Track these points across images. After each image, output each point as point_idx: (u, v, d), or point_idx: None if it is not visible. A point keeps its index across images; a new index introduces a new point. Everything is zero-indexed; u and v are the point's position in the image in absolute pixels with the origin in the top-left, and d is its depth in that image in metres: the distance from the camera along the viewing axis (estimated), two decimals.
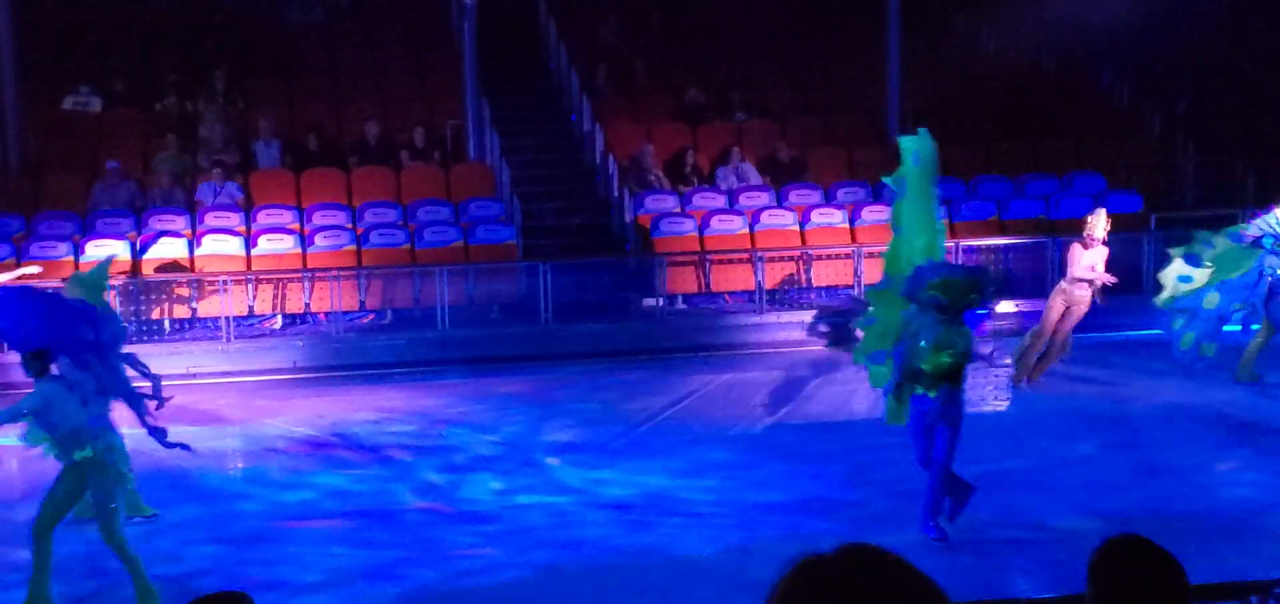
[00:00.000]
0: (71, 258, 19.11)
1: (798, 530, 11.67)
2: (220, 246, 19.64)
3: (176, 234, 19.77)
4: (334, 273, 19.37)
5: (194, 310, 19.01)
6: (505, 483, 13.55)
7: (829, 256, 20.32)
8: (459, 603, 10.82)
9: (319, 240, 19.96)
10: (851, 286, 19.66)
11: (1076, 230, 20.82)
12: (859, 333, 13.05)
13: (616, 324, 19.34)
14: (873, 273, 19.58)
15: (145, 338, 18.35)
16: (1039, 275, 19.88)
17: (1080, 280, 16.25)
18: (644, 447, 14.73)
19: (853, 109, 24.01)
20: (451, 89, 22.98)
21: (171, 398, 12.03)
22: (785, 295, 20.23)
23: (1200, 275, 15.78)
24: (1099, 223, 16.35)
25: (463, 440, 15.06)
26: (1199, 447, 14.33)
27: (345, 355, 18.58)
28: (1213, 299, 15.74)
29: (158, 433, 10.87)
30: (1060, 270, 19.84)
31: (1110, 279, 16.42)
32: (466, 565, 11.50)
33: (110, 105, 23.33)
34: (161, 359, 17.89)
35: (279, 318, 19.39)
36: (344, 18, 26.35)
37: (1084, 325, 18.92)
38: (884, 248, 13.54)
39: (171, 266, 19.35)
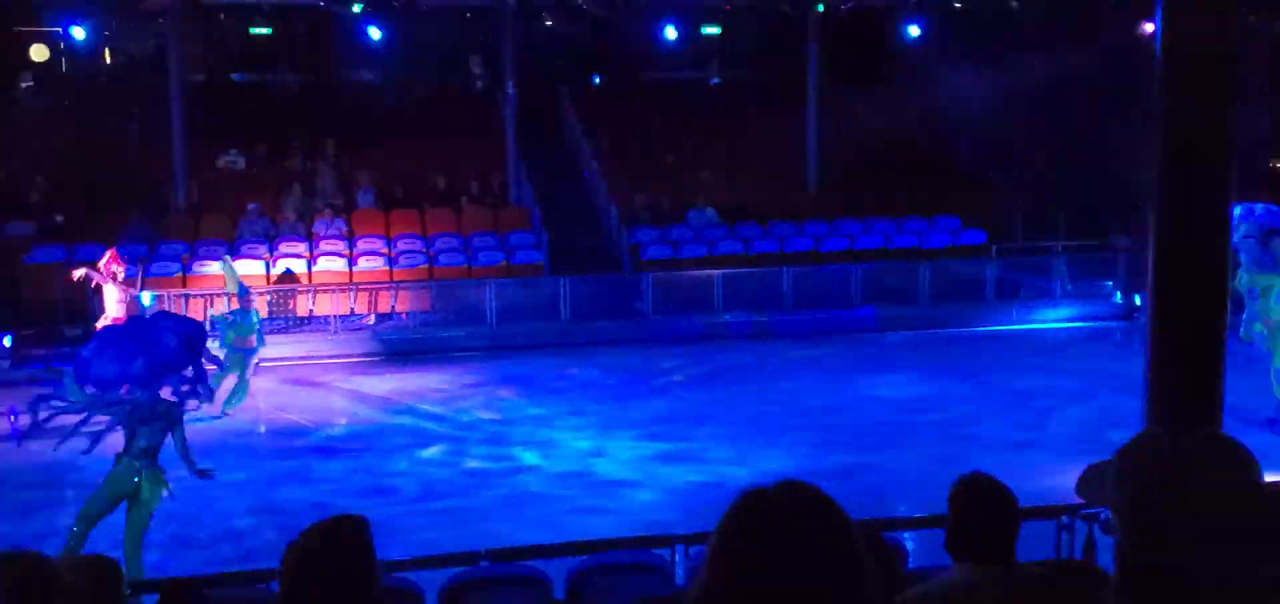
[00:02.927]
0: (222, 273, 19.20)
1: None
2: (330, 265, 19.69)
3: (298, 256, 19.80)
4: (412, 284, 19.48)
5: (310, 310, 19.04)
6: (532, 437, 13.69)
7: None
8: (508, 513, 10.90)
9: (402, 261, 20.05)
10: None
11: (939, 257, 20.94)
12: None
13: (616, 321, 19.33)
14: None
15: (276, 331, 18.41)
16: (914, 289, 19.99)
17: None
18: (637, 413, 14.75)
19: (781, 168, 24.00)
20: (498, 153, 22.96)
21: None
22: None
23: None
24: None
25: (500, 402, 15.18)
26: None
27: (420, 344, 18.49)
28: None
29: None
30: (930, 285, 20.02)
31: None
32: (506, 491, 11.63)
33: (251, 163, 23.33)
34: (287, 345, 18.05)
35: (372, 316, 19.40)
36: (422, 103, 26.41)
37: (935, 321, 19.03)
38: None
39: (294, 279, 19.40)
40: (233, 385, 14.41)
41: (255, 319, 15.01)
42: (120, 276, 15.12)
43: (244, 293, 15.13)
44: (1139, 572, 1.91)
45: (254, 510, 11.02)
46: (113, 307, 14.98)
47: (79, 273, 15.52)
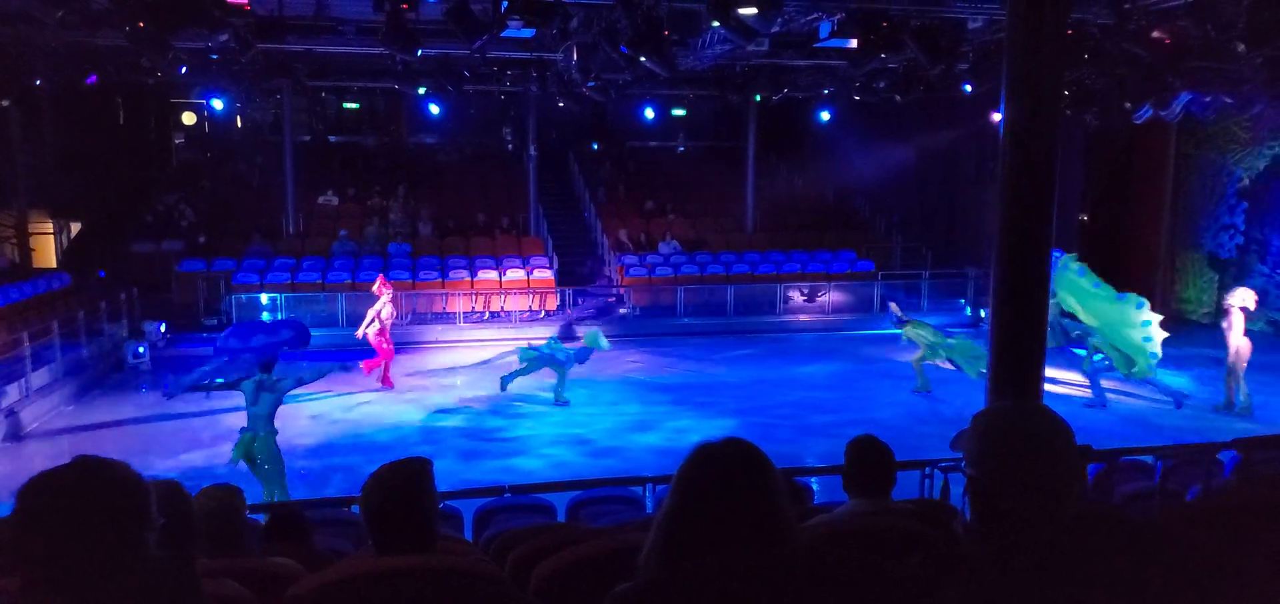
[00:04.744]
0: (320, 281, 19.00)
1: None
2: (401, 277, 19.51)
3: (376, 271, 19.59)
4: (459, 293, 19.24)
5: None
6: (543, 402, 13.48)
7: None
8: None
9: (451, 275, 19.88)
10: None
11: (840, 280, 20.97)
12: None
13: (607, 322, 19.22)
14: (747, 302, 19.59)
15: (355, 324, 18.17)
16: (820, 302, 19.98)
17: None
18: (622, 390, 14.62)
19: (727, 213, 24.03)
20: (522, 197, 22.92)
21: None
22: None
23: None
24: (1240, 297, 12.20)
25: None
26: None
27: (469, 333, 18.48)
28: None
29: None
30: (831, 303, 20.03)
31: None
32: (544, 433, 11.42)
33: (342, 202, 23.15)
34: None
35: (429, 313, 19.24)
36: (467, 159, 26.32)
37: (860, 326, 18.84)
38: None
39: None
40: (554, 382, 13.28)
41: (569, 356, 13.38)
42: (386, 295, 14.83)
43: (598, 345, 13.44)
44: (985, 496, 1.92)
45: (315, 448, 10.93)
46: (385, 307, 14.64)
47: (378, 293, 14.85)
